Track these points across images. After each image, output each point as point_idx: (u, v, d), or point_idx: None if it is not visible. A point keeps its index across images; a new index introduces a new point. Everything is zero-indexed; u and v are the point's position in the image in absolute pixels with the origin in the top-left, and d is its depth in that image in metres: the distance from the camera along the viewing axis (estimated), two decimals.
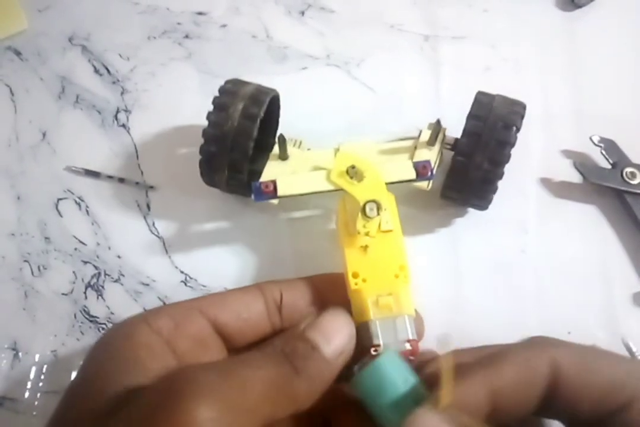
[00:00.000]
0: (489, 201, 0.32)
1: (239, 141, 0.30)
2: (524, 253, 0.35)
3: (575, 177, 0.36)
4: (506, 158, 0.30)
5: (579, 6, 0.42)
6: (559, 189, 0.36)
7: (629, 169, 0.35)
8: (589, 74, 0.40)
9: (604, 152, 0.36)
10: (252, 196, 0.30)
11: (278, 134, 0.31)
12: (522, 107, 0.31)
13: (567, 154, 0.37)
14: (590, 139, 0.36)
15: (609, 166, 0.36)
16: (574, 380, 0.21)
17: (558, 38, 0.41)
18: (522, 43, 0.41)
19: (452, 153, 0.32)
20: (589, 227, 0.36)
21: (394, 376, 0.23)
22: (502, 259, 0.34)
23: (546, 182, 0.37)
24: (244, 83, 0.32)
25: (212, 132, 0.30)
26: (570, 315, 0.33)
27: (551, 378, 0.21)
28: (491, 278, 0.34)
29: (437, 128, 0.32)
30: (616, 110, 0.38)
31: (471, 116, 0.30)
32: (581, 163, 0.35)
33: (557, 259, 0.35)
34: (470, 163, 0.30)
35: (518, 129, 0.30)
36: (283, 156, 0.32)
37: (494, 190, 0.31)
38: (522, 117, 0.31)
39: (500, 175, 0.30)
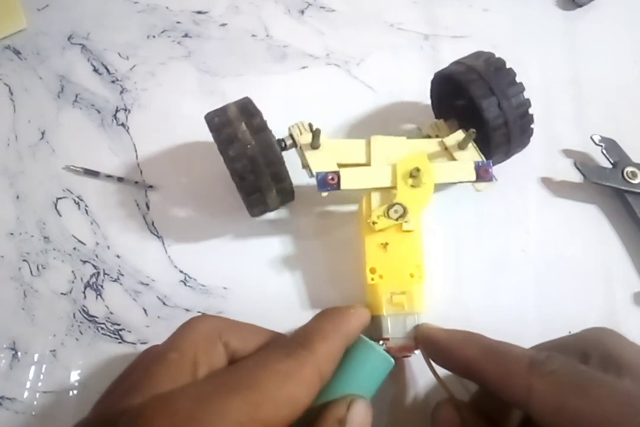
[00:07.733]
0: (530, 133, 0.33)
1: (267, 153, 0.29)
2: (525, 253, 0.35)
3: (575, 177, 0.36)
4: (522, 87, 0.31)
5: (580, 5, 0.42)
6: (560, 189, 0.36)
7: (629, 169, 0.35)
8: (590, 73, 0.40)
9: (604, 151, 0.36)
10: (317, 187, 0.30)
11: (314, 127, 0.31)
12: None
13: (568, 153, 0.37)
14: (591, 138, 0.36)
15: (610, 166, 0.36)
16: (546, 410, 0.21)
17: (559, 37, 0.41)
18: (522, 42, 0.41)
19: None
20: (590, 226, 0.35)
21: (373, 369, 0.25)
22: (502, 259, 0.34)
23: (547, 182, 0.36)
24: (221, 109, 0.31)
25: (242, 165, 0.29)
26: (571, 314, 0.33)
27: (524, 398, 0.21)
28: (491, 277, 0.34)
29: (470, 136, 0.31)
30: (617, 110, 0.38)
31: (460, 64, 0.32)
32: (582, 162, 0.35)
33: (557, 259, 0.34)
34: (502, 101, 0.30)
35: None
36: (315, 145, 0.31)
37: (532, 119, 0.32)
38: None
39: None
